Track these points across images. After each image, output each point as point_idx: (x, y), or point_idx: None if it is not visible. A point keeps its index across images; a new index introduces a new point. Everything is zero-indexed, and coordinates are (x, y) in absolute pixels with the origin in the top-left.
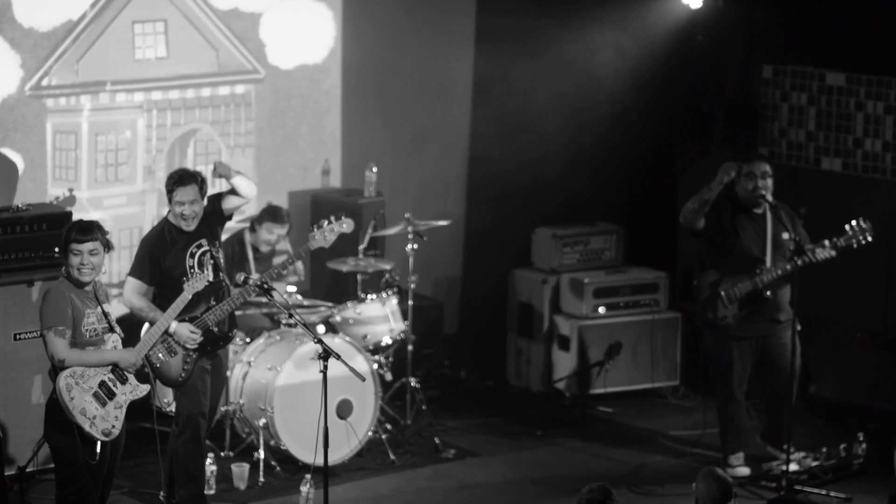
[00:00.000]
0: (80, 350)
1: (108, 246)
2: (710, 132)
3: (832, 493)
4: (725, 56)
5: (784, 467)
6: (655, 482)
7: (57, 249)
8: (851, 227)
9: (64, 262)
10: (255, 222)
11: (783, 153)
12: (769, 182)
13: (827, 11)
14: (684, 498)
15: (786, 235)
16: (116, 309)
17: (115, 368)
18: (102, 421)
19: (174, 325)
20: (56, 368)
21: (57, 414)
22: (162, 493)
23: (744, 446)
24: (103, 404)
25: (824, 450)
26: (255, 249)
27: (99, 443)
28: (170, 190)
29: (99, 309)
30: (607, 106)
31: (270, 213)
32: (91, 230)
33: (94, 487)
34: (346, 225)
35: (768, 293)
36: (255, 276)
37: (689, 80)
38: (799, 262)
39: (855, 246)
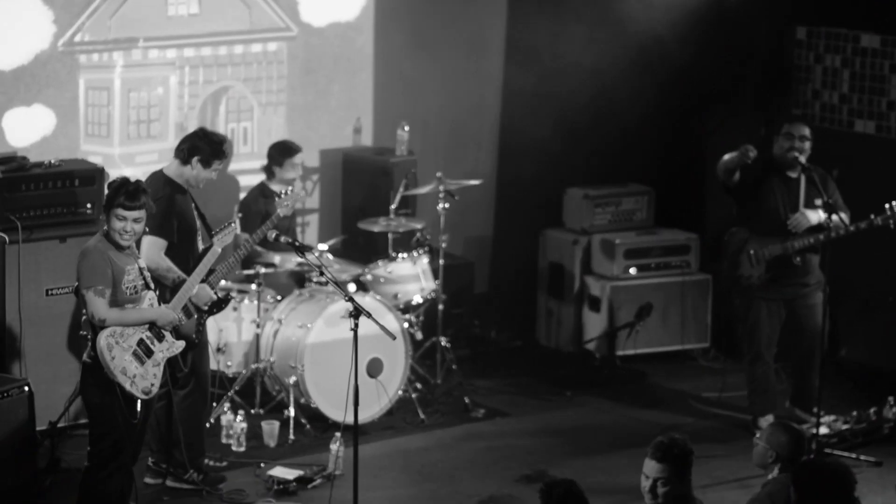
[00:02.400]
0: (119, 309)
1: (151, 209)
2: (742, 94)
3: (862, 457)
4: (758, 17)
5: (814, 430)
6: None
7: (89, 205)
8: (891, 206)
9: (105, 221)
10: (272, 165)
11: (816, 115)
12: (807, 146)
13: None
14: (714, 459)
15: (818, 202)
16: None
17: (153, 326)
18: (142, 379)
19: (195, 288)
20: (95, 328)
21: (97, 373)
22: (151, 460)
23: (772, 408)
24: (142, 363)
25: (854, 413)
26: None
27: (139, 401)
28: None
29: (136, 265)
30: (639, 66)
31: (284, 149)
32: (138, 196)
33: (128, 444)
34: (301, 196)
35: (797, 259)
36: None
37: (722, 42)
38: (833, 235)
39: (892, 226)
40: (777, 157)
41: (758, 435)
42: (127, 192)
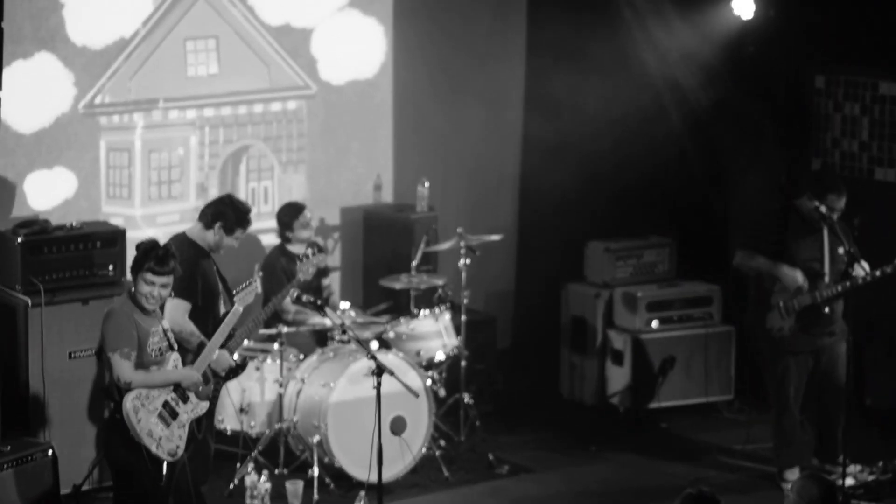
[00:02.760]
0: (144, 371)
1: (178, 273)
2: (761, 143)
3: None
4: (777, 66)
5: (840, 481)
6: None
7: (111, 267)
8: None
9: (132, 283)
10: (284, 230)
11: (836, 163)
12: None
13: (880, 21)
14: None
15: (841, 250)
16: None
17: (177, 387)
18: (168, 441)
19: (215, 354)
20: (120, 390)
21: (123, 434)
22: None
23: (798, 461)
24: (167, 424)
25: (880, 463)
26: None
27: (165, 463)
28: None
29: (160, 327)
30: (658, 118)
31: (290, 212)
32: (167, 261)
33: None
34: (320, 259)
35: (826, 309)
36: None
37: (741, 91)
38: (860, 282)
39: None
40: (805, 212)
41: (788, 487)
42: (156, 256)
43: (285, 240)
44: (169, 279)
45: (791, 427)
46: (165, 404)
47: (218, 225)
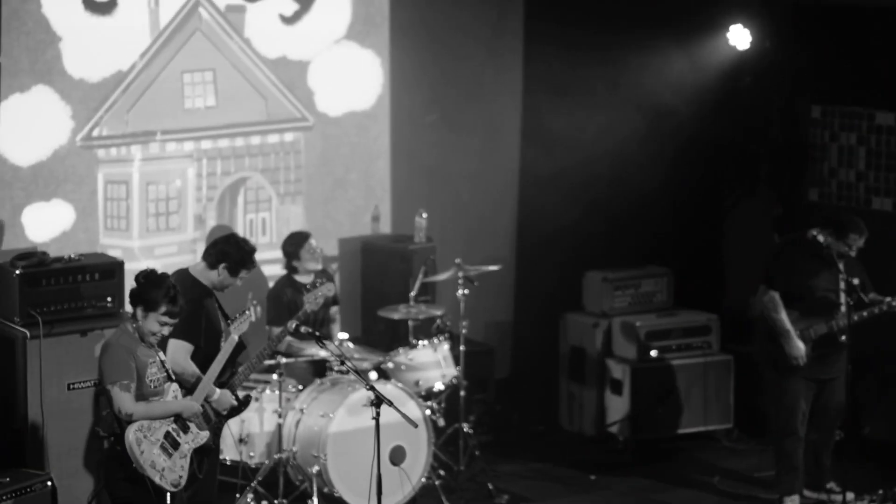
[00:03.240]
0: (145, 403)
1: (182, 311)
2: (757, 173)
3: None
4: (773, 97)
5: None
6: None
7: (110, 299)
8: None
9: (136, 315)
10: (290, 259)
11: (833, 193)
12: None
13: (876, 52)
14: None
15: (856, 280)
16: None
17: (178, 418)
18: (170, 472)
19: (217, 393)
20: (120, 422)
21: (126, 467)
22: None
23: (800, 489)
24: (169, 455)
25: (880, 491)
26: (306, 288)
27: (168, 494)
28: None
29: (157, 358)
30: (655, 148)
31: (294, 241)
32: (178, 302)
33: None
34: (328, 288)
35: (843, 338)
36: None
37: (737, 121)
38: (876, 311)
39: None
40: (824, 245)
41: None
42: (170, 298)
43: (292, 269)
44: (175, 320)
45: (795, 452)
46: (167, 435)
47: (222, 266)
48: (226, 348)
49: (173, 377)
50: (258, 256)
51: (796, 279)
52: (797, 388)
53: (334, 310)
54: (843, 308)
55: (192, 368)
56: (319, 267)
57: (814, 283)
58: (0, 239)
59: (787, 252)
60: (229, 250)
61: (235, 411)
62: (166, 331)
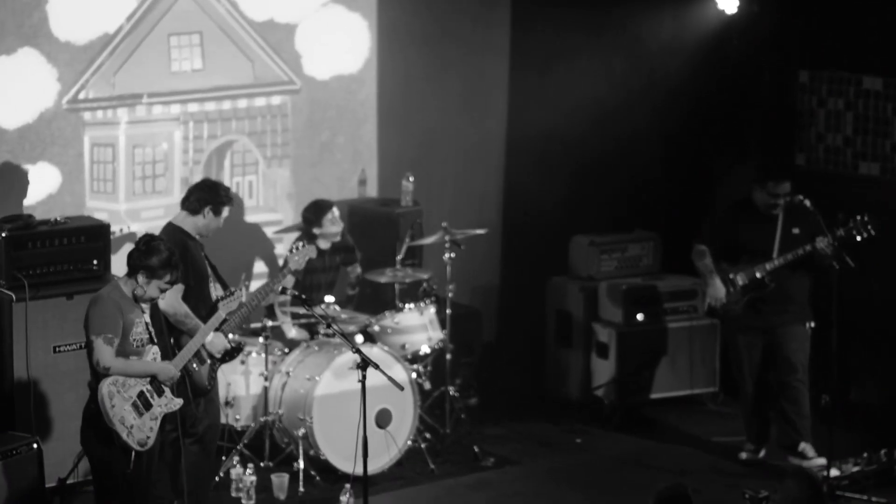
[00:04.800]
0: (124, 359)
1: None
2: (745, 138)
3: (874, 499)
4: (761, 62)
5: (825, 473)
6: (695, 489)
7: (96, 262)
8: (854, 219)
9: (132, 276)
10: (311, 226)
11: (820, 158)
12: (787, 198)
13: (863, 16)
14: None
15: (796, 230)
16: None
17: (154, 380)
18: (139, 431)
19: (210, 335)
20: (98, 375)
21: (98, 423)
22: None
23: (754, 439)
24: (140, 414)
25: (865, 455)
26: (322, 252)
27: (133, 452)
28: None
29: (143, 319)
30: (642, 113)
31: (318, 209)
32: (179, 268)
33: (135, 497)
34: (309, 250)
35: (768, 280)
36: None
37: (725, 86)
38: (802, 251)
39: (858, 239)
40: (758, 202)
41: (743, 457)
42: (172, 265)
43: (311, 237)
44: (172, 286)
45: (745, 403)
46: (140, 394)
47: (207, 209)
48: (212, 322)
49: (155, 340)
50: (248, 218)
51: (728, 234)
52: (736, 341)
53: (358, 270)
54: (774, 256)
55: (185, 308)
56: (339, 238)
57: (745, 238)
58: None
59: (724, 210)
60: (208, 194)
61: (229, 355)
62: (160, 296)
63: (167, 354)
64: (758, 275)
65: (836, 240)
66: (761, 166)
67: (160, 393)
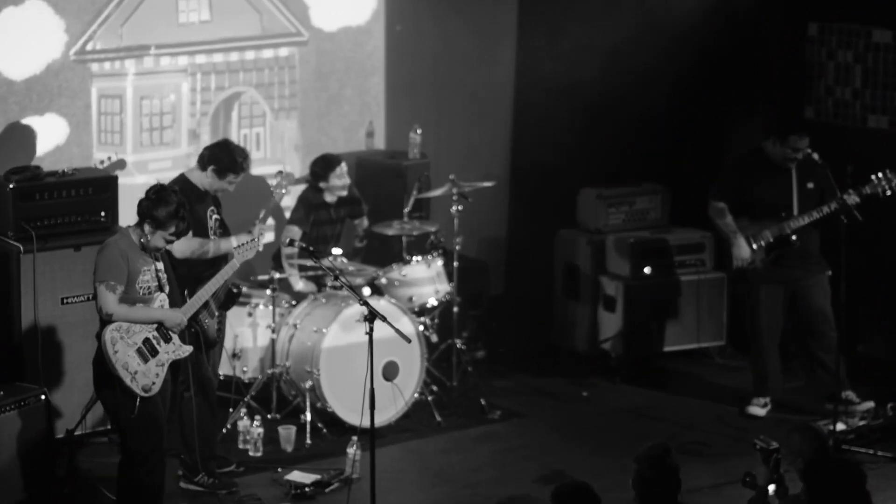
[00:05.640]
0: (128, 306)
1: None
2: (754, 91)
3: (879, 453)
4: (770, 14)
5: (831, 427)
6: (703, 442)
7: (103, 213)
8: (877, 176)
9: (143, 230)
10: (318, 180)
11: (829, 111)
12: (806, 153)
13: None
14: (732, 458)
15: (811, 185)
16: None
17: (160, 327)
18: (143, 377)
19: (211, 293)
20: (103, 322)
21: (102, 369)
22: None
23: (770, 392)
24: (145, 361)
25: (871, 409)
26: (328, 206)
27: (138, 398)
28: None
29: (153, 266)
30: (651, 66)
31: (325, 164)
32: (187, 220)
33: (148, 441)
34: (286, 178)
35: (794, 238)
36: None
37: (734, 39)
38: (828, 209)
39: (880, 195)
40: (771, 155)
41: (751, 411)
42: (179, 217)
43: (317, 190)
44: (183, 236)
45: (762, 357)
46: (146, 341)
47: (211, 168)
48: (225, 270)
49: (166, 288)
50: (255, 171)
51: (743, 189)
52: (757, 294)
53: (365, 223)
54: (794, 210)
55: (195, 243)
56: (345, 193)
57: (761, 192)
58: None
59: (735, 164)
60: (219, 154)
61: (231, 300)
62: (169, 247)
63: (176, 303)
64: (787, 232)
65: (863, 196)
66: (780, 120)
67: (167, 340)
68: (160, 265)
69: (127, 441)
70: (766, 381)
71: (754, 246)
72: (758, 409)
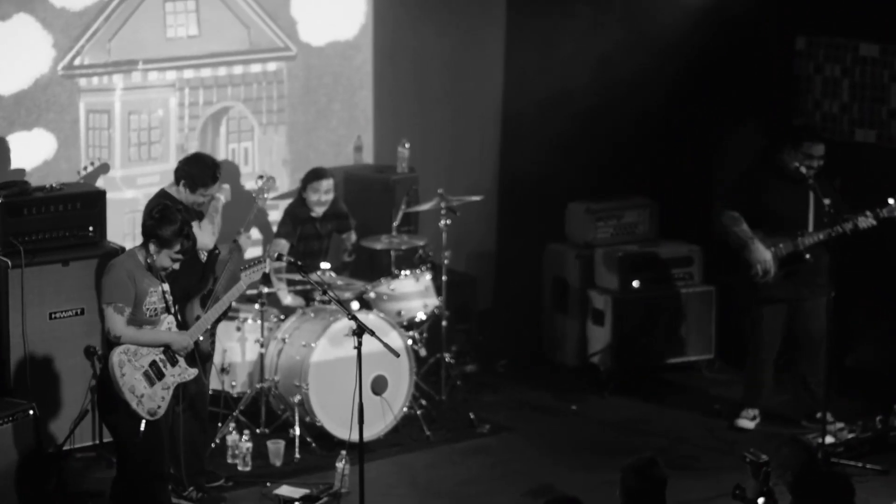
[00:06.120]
0: (136, 328)
1: None
2: (743, 105)
3: (868, 466)
4: (759, 27)
5: (820, 440)
6: (691, 456)
7: (91, 228)
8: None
9: (148, 250)
10: (301, 191)
11: (817, 125)
12: (822, 162)
13: None
14: (721, 472)
15: (827, 201)
16: None
17: (167, 350)
18: (149, 400)
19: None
20: (110, 344)
21: (108, 391)
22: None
23: (761, 404)
24: (152, 384)
25: (860, 422)
26: (314, 220)
27: (144, 422)
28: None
29: (160, 288)
30: (639, 79)
31: (311, 175)
32: (192, 238)
33: (149, 465)
34: (266, 183)
35: (808, 255)
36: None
37: (722, 53)
38: (841, 229)
39: None
40: (788, 165)
41: (741, 424)
42: (184, 235)
43: (304, 204)
44: (188, 255)
45: (759, 370)
46: (153, 364)
47: (182, 183)
48: (232, 292)
49: (172, 310)
50: (244, 185)
51: (758, 201)
52: (761, 309)
53: (353, 237)
54: (810, 227)
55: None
56: (319, 212)
57: (776, 204)
58: None
59: (749, 174)
60: (188, 168)
61: (223, 317)
62: (176, 266)
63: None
64: (801, 248)
65: (877, 218)
66: (793, 127)
67: (174, 363)
68: (166, 286)
69: (128, 465)
70: (760, 393)
71: (773, 249)
72: (747, 422)
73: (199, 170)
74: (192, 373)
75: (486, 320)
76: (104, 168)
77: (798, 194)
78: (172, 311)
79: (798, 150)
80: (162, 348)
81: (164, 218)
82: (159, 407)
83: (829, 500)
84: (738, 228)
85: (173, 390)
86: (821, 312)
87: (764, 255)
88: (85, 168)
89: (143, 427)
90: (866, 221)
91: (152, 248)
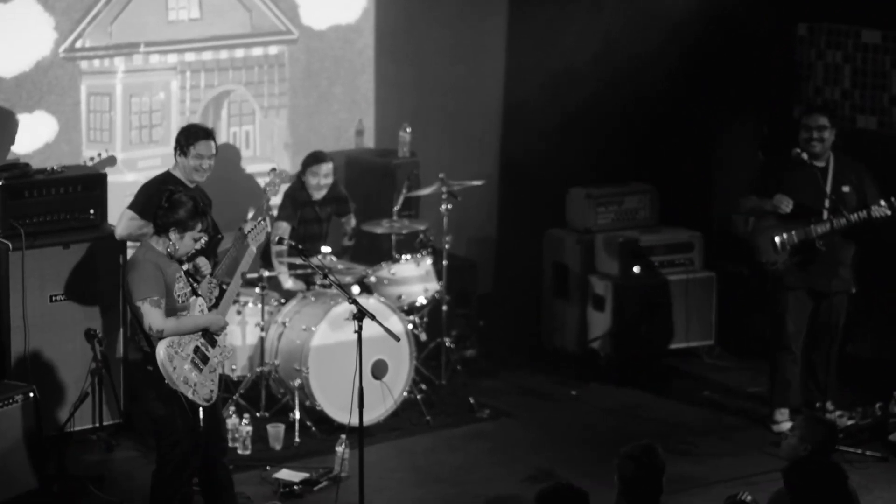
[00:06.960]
0: (175, 318)
1: None
2: (743, 91)
3: (868, 452)
4: (760, 14)
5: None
6: (691, 442)
7: (92, 211)
8: None
9: (163, 235)
10: (300, 175)
11: (828, 104)
12: (825, 134)
13: None
14: (721, 457)
15: (846, 188)
16: None
17: (206, 332)
18: (202, 387)
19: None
20: (150, 340)
21: (158, 385)
22: None
23: (792, 402)
24: (200, 370)
25: (860, 409)
26: (314, 203)
27: (201, 408)
28: (186, 144)
29: (182, 272)
30: (641, 65)
31: (311, 159)
32: (208, 213)
33: (193, 454)
34: (279, 175)
35: (820, 243)
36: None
37: (723, 38)
38: (853, 218)
39: None
40: (805, 157)
41: (779, 428)
42: (200, 212)
43: (304, 187)
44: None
45: (787, 366)
46: (196, 350)
47: (177, 152)
48: (245, 260)
49: (199, 292)
50: (245, 168)
51: (774, 188)
52: (785, 299)
53: (353, 222)
54: (825, 215)
55: (135, 224)
56: (319, 196)
57: (790, 191)
58: None
59: (769, 162)
60: (179, 135)
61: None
62: (199, 245)
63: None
64: (812, 237)
65: (891, 207)
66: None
67: (214, 344)
68: (184, 266)
69: (176, 450)
70: (789, 390)
71: (785, 236)
72: (785, 424)
73: (181, 133)
74: (231, 350)
75: (487, 305)
76: (111, 160)
77: (814, 181)
78: (199, 292)
79: (800, 125)
80: (200, 332)
81: (174, 203)
82: (212, 391)
83: (821, 487)
84: (755, 204)
85: (218, 371)
86: (839, 310)
87: (780, 199)
88: (92, 159)
89: (201, 414)
90: (879, 211)
91: (174, 236)
